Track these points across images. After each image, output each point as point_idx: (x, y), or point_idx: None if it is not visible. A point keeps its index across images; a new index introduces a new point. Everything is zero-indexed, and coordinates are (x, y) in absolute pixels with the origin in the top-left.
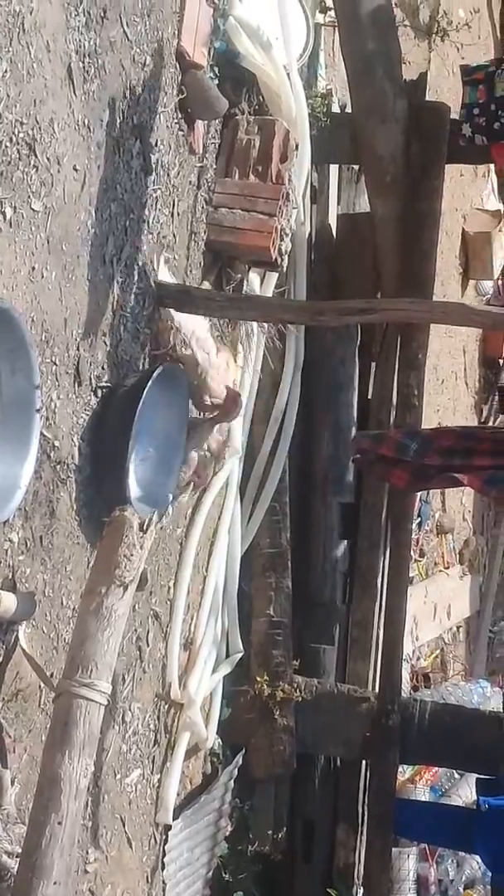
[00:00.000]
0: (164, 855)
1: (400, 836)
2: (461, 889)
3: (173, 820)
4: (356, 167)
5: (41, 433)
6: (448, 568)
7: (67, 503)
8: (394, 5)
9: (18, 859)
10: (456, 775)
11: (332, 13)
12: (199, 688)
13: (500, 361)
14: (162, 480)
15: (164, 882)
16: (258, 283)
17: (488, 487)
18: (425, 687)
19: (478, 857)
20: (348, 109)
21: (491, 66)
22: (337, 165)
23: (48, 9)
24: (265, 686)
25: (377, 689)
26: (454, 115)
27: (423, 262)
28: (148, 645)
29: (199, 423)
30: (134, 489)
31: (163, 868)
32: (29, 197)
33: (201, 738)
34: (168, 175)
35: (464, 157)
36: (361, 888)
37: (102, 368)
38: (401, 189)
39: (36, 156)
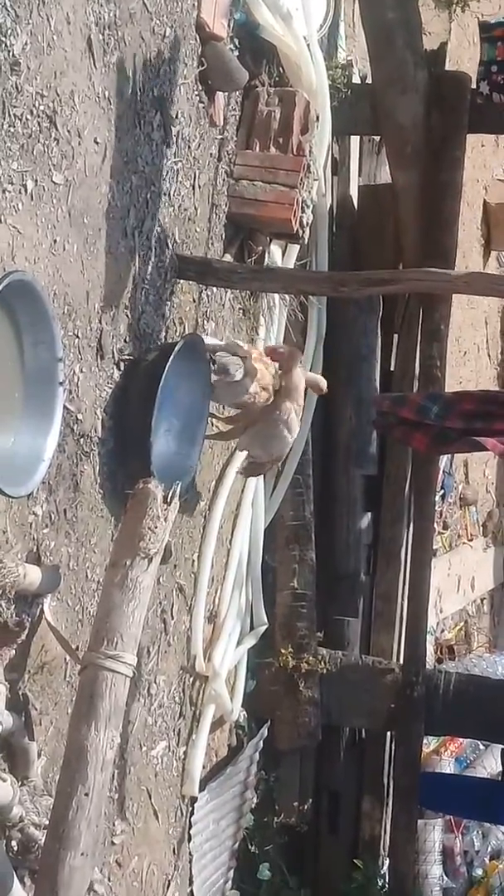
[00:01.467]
0: (190, 827)
1: (425, 807)
2: (487, 860)
3: (199, 792)
4: (377, 138)
5: (64, 406)
6: (472, 540)
7: (91, 476)
8: None
9: (46, 831)
10: (481, 746)
11: None
12: (224, 660)
13: None
14: (185, 451)
15: (190, 853)
16: (280, 256)
17: None
18: (449, 659)
19: (503, 828)
20: (369, 80)
21: None
22: (358, 136)
23: None
24: (290, 658)
25: (401, 661)
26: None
27: (445, 233)
28: (172, 618)
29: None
30: (157, 461)
31: (189, 840)
32: (50, 170)
33: (226, 711)
34: (189, 147)
35: (485, 126)
36: (387, 859)
37: (125, 341)
38: (422, 160)
39: (56, 128)
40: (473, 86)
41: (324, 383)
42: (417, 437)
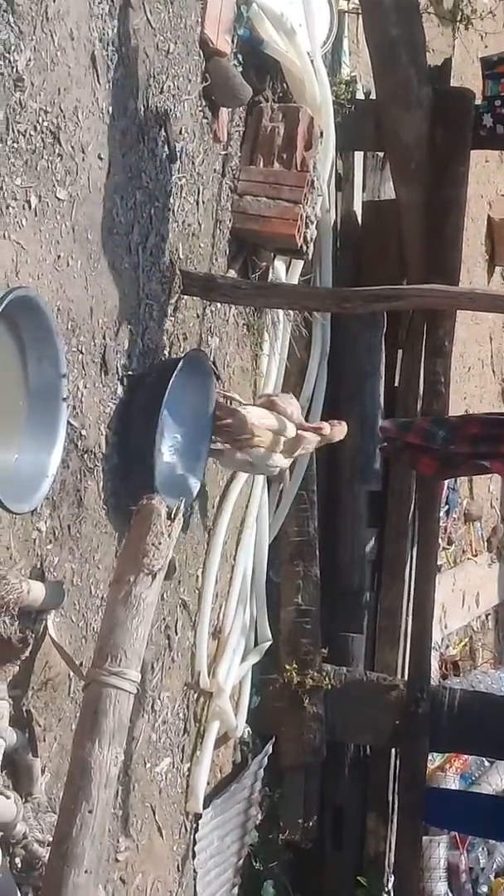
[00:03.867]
0: (194, 843)
1: (430, 824)
2: (492, 877)
3: (203, 808)
4: (381, 154)
5: (68, 422)
6: (476, 556)
7: (95, 492)
8: None
9: (49, 848)
10: (486, 763)
11: (356, 0)
12: (229, 676)
13: None
14: (190, 467)
15: (194, 870)
16: (284, 271)
17: None
18: (454, 675)
19: None
20: (372, 96)
21: None
22: (362, 152)
23: None
24: (294, 674)
25: (406, 677)
26: (478, 101)
27: (449, 249)
28: (177, 634)
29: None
30: (162, 477)
31: (193, 857)
32: (54, 185)
33: (231, 727)
34: (193, 163)
35: (489, 143)
36: (392, 876)
37: (129, 357)
38: (426, 176)
39: (60, 144)
40: (478, 102)
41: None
42: (424, 461)
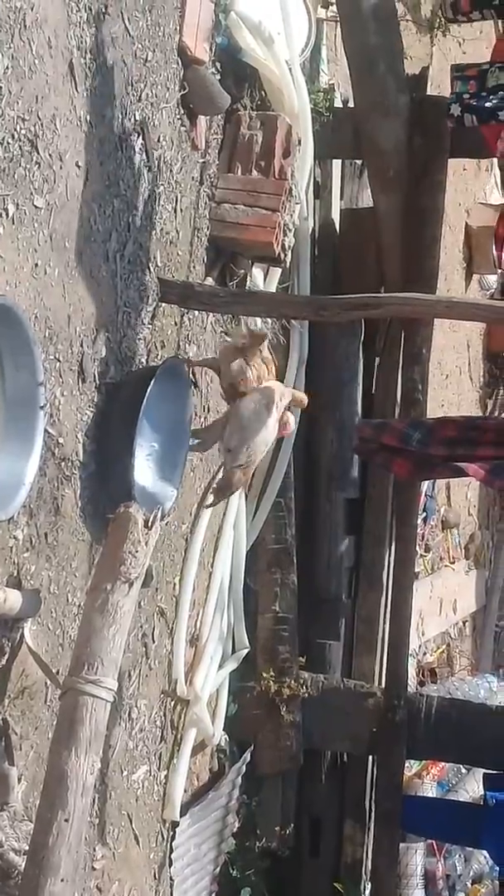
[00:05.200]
0: (171, 851)
1: (407, 831)
2: (469, 884)
3: (180, 816)
4: (359, 162)
5: (45, 430)
6: (454, 563)
7: (72, 500)
8: (395, 0)
9: (26, 856)
10: (463, 770)
11: (334, 8)
12: (206, 684)
13: None
14: (167, 475)
15: (171, 878)
16: (262, 279)
17: (492, 477)
18: (432, 682)
19: (485, 853)
20: (351, 104)
21: (484, 64)
22: (340, 160)
23: (49, 5)
24: (271, 682)
25: (383, 685)
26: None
27: (427, 257)
28: (154, 641)
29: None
30: (138, 485)
31: (170, 864)
32: (31, 193)
33: (208, 735)
34: (171, 171)
35: (467, 150)
36: (369, 883)
37: (106, 365)
38: (404, 184)
39: (38, 152)
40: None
41: (304, 398)
42: (399, 463)
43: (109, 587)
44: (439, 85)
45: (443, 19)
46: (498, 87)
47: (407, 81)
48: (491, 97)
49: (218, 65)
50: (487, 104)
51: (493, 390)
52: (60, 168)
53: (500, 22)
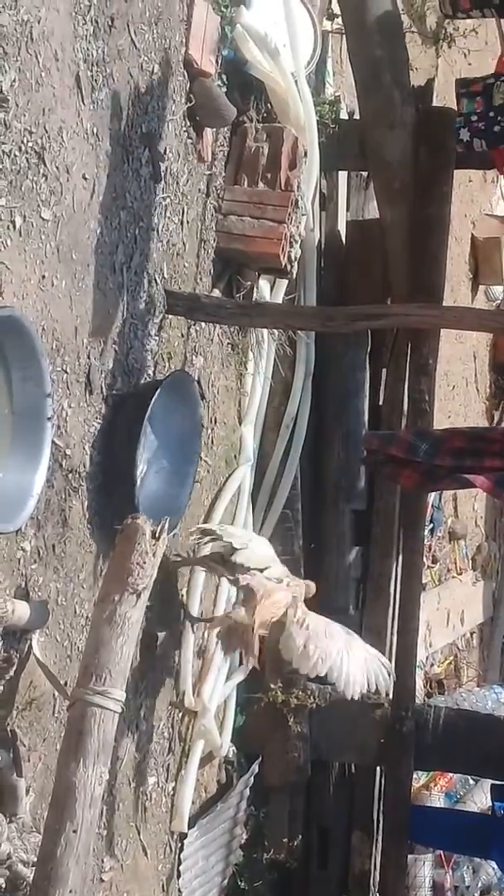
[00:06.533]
0: (179, 863)
1: (415, 842)
2: (477, 895)
3: (188, 828)
4: (365, 173)
5: (53, 441)
6: (461, 574)
7: (79, 511)
8: (401, 12)
9: (34, 868)
10: (471, 781)
11: (340, 20)
12: (213, 695)
13: None
14: (175, 491)
15: (179, 890)
16: (268, 291)
17: (499, 489)
18: (439, 693)
19: (493, 863)
20: (356, 116)
21: (489, 78)
22: (346, 172)
23: (56, 18)
24: (279, 693)
25: (391, 696)
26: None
27: (433, 268)
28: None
29: None
30: (148, 502)
31: (178, 876)
32: (38, 206)
33: (215, 746)
34: (177, 183)
35: (472, 162)
36: (377, 895)
37: (113, 376)
38: (409, 195)
39: (45, 164)
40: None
41: (311, 585)
42: (406, 475)
43: (117, 598)
44: (445, 97)
45: (442, 13)
46: None
47: (412, 93)
48: (499, 119)
49: (224, 77)
50: (496, 128)
51: (500, 401)
52: (67, 180)
53: (502, 22)
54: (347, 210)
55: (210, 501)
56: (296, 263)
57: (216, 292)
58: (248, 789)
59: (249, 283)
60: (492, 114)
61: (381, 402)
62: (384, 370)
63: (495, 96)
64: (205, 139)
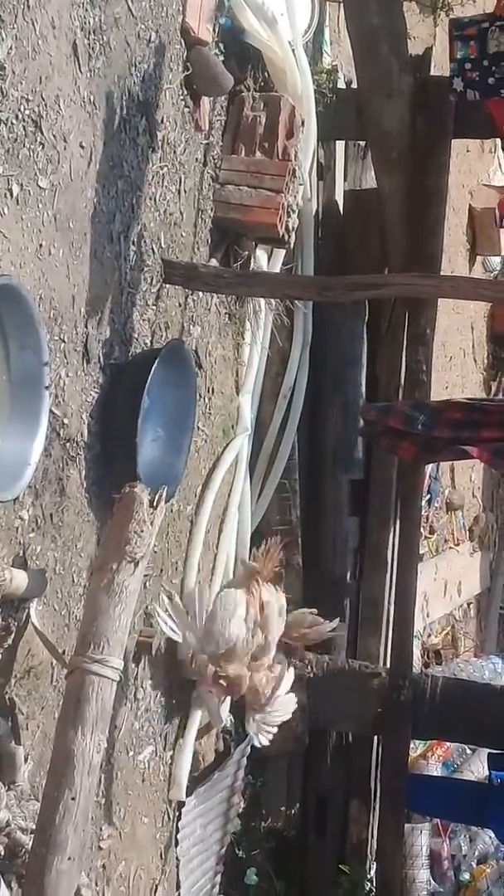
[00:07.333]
0: (177, 831)
1: (412, 811)
2: (474, 864)
3: (186, 797)
4: (362, 143)
5: (50, 410)
6: (458, 544)
7: (77, 480)
8: None
9: (33, 835)
10: (468, 750)
11: None
12: None
13: None
14: (171, 460)
15: (177, 858)
16: (265, 260)
17: (497, 460)
18: (436, 664)
19: (490, 832)
20: (354, 85)
21: (484, 21)
22: (343, 141)
23: None
24: None
25: (388, 665)
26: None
27: (430, 238)
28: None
29: None
30: (144, 470)
31: (176, 844)
32: (35, 174)
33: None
34: (174, 152)
35: (471, 131)
36: (374, 863)
37: (111, 346)
38: (407, 165)
39: (42, 133)
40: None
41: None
42: (404, 446)
43: (115, 567)
44: (442, 66)
45: None
46: (499, 55)
47: (410, 62)
48: (493, 69)
49: (221, 46)
50: (490, 80)
51: (497, 372)
52: (64, 149)
53: None
54: (345, 179)
55: (207, 471)
56: (293, 233)
57: (213, 262)
58: (245, 758)
59: (247, 252)
60: (486, 62)
61: (378, 373)
62: (382, 340)
63: (489, 43)
64: (202, 108)
